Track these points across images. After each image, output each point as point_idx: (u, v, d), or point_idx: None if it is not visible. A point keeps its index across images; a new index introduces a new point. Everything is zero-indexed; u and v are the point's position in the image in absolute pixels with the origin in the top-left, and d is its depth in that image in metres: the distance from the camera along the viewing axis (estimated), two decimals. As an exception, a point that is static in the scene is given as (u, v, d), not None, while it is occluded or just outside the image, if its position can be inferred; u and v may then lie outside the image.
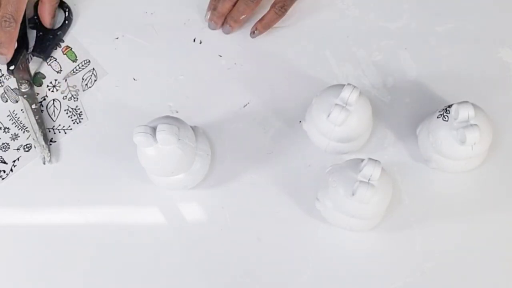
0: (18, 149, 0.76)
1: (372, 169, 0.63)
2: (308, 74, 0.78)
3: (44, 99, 0.78)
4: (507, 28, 0.81)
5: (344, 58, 0.79)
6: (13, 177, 0.75)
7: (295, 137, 0.75)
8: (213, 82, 0.78)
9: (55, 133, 0.77)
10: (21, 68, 0.78)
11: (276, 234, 0.72)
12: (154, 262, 0.71)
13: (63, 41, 0.81)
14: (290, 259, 0.71)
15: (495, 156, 0.74)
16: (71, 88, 0.79)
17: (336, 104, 0.67)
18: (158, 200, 0.73)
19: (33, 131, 0.76)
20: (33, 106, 0.77)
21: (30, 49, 0.80)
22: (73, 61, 0.80)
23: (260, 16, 0.79)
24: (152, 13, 0.82)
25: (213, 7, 0.79)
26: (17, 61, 0.77)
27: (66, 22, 0.81)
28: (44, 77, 0.80)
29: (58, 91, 0.79)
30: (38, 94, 0.78)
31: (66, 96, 0.78)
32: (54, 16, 0.80)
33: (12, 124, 0.77)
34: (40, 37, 0.80)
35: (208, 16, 0.80)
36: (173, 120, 0.66)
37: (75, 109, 0.78)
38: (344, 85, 0.67)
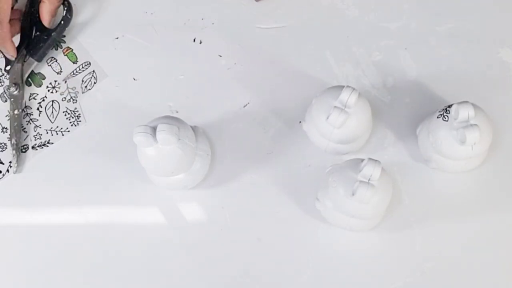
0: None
1: (372, 169, 0.63)
2: (308, 74, 0.78)
3: (43, 100, 0.78)
4: (507, 28, 0.81)
5: (344, 58, 0.79)
6: (12, 178, 0.75)
7: (295, 137, 0.75)
8: (213, 82, 0.78)
9: (52, 134, 0.77)
10: (16, 69, 0.77)
11: (276, 234, 0.72)
12: (154, 262, 0.71)
13: (58, 43, 0.80)
14: (290, 259, 0.71)
15: (495, 156, 0.74)
16: (70, 90, 0.79)
17: (335, 107, 0.67)
18: (158, 200, 0.73)
19: (10, 135, 0.75)
20: (16, 112, 0.76)
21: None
22: (74, 63, 0.80)
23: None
24: (152, 13, 0.82)
25: None
26: (13, 61, 0.77)
27: (62, 22, 0.79)
28: (44, 78, 0.79)
29: (57, 92, 0.79)
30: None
31: (65, 98, 0.78)
32: (54, 16, 0.79)
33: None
34: (36, 37, 0.79)
35: None
36: (173, 120, 0.66)
37: (73, 111, 0.78)
38: (343, 86, 0.67)
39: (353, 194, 0.63)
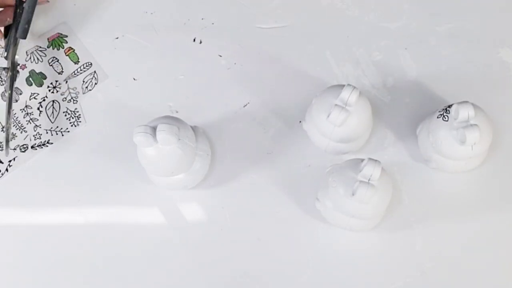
0: (14, 149, 0.76)
1: (372, 169, 0.63)
2: (308, 74, 0.78)
3: (44, 100, 0.78)
4: (507, 28, 0.81)
5: (344, 58, 0.79)
6: (11, 177, 0.75)
7: (295, 137, 0.75)
8: (213, 82, 0.78)
9: (52, 134, 0.77)
10: (11, 53, 0.76)
11: (276, 234, 0.72)
12: (154, 262, 0.71)
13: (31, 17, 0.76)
14: (290, 259, 0.71)
15: (495, 156, 0.74)
16: (71, 90, 0.79)
17: (336, 105, 0.67)
18: (158, 200, 0.73)
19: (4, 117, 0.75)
20: (7, 92, 0.75)
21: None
22: (75, 63, 0.80)
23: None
24: (152, 13, 0.82)
25: None
26: (9, 47, 0.76)
27: None
28: (45, 78, 0.80)
29: (58, 92, 0.79)
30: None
31: (65, 98, 0.78)
32: None
33: (11, 123, 0.77)
34: (18, 15, 0.76)
35: None
36: (173, 120, 0.66)
37: (73, 111, 0.78)
38: (344, 85, 0.67)
39: (353, 194, 0.63)
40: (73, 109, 0.78)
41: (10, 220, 0.74)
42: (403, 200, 0.72)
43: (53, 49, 0.81)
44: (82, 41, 0.81)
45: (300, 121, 0.76)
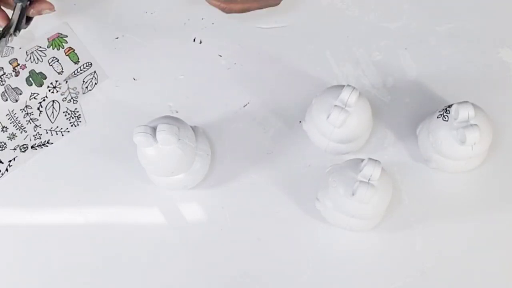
0: (14, 149, 0.76)
1: (372, 169, 0.63)
2: (308, 74, 0.78)
3: (44, 100, 0.78)
4: (507, 28, 0.81)
5: (344, 58, 0.79)
6: (11, 177, 0.75)
7: (295, 137, 0.75)
8: (213, 82, 0.78)
9: (52, 134, 0.77)
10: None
11: (276, 234, 0.72)
12: (154, 262, 0.71)
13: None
14: (290, 259, 0.71)
15: (495, 156, 0.74)
16: (71, 90, 0.79)
17: (336, 106, 0.67)
18: (158, 200, 0.73)
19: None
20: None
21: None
22: (75, 63, 0.80)
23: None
24: (152, 13, 0.82)
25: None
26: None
27: None
28: (45, 78, 0.80)
29: (58, 92, 0.79)
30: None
31: (65, 98, 0.78)
32: None
33: (11, 123, 0.77)
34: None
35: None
36: (173, 120, 0.66)
37: (73, 111, 0.78)
38: (343, 86, 0.67)
39: (353, 194, 0.63)
40: (73, 109, 0.78)
41: (10, 220, 0.74)
42: (403, 200, 0.72)
43: (53, 49, 0.81)
44: (82, 41, 0.81)
45: (300, 121, 0.76)
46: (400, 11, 0.82)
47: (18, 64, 0.80)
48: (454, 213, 0.72)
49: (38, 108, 0.78)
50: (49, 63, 0.80)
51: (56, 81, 0.79)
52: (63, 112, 0.78)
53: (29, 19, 0.76)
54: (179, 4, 0.83)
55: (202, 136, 0.72)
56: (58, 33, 0.82)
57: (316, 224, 0.72)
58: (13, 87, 0.79)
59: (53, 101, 0.79)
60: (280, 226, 0.72)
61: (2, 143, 0.77)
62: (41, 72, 0.80)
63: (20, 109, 0.78)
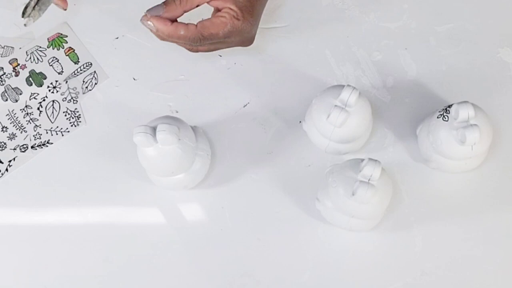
0: (14, 149, 0.76)
1: (372, 169, 0.63)
2: (308, 74, 0.78)
3: (44, 100, 0.78)
4: (507, 28, 0.81)
5: (344, 58, 0.79)
6: (11, 177, 0.75)
7: (295, 137, 0.75)
8: (213, 82, 0.78)
9: (52, 134, 0.77)
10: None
11: (276, 234, 0.72)
12: (154, 262, 0.71)
13: None
14: (290, 259, 0.71)
15: (495, 156, 0.74)
16: (71, 90, 0.79)
17: (336, 106, 0.67)
18: (158, 200, 0.73)
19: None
20: None
21: None
22: (75, 63, 0.80)
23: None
24: (152, 13, 0.82)
25: (161, 38, 0.69)
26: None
27: None
28: (45, 78, 0.80)
29: (58, 92, 0.79)
30: None
31: (66, 98, 0.78)
32: None
33: (11, 123, 0.77)
34: None
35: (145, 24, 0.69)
36: (173, 120, 0.66)
37: (74, 111, 0.78)
38: (343, 86, 0.67)
39: (353, 194, 0.63)
40: (73, 109, 0.78)
41: (10, 220, 0.74)
42: (403, 200, 0.72)
43: (53, 49, 0.81)
44: (82, 41, 0.81)
45: (300, 121, 0.76)
46: (400, 11, 0.82)
47: (18, 64, 0.80)
48: (454, 213, 0.72)
49: (38, 108, 0.78)
50: (49, 63, 0.80)
51: (56, 81, 0.79)
52: (63, 112, 0.78)
53: None
54: (179, 4, 0.83)
55: (202, 136, 0.72)
56: (58, 33, 0.82)
57: (316, 224, 0.72)
58: (13, 87, 0.79)
59: (53, 101, 0.78)
60: (280, 226, 0.72)
61: (2, 143, 0.77)
62: (41, 72, 0.80)
63: (20, 109, 0.78)
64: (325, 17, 0.82)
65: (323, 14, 0.82)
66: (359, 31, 0.81)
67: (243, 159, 0.75)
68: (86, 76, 0.79)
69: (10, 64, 0.80)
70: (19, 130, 0.77)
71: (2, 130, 0.77)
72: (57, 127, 0.77)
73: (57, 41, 0.81)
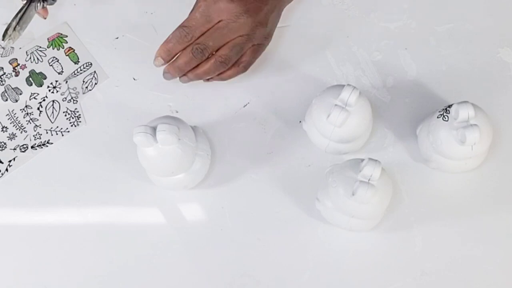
0: (14, 149, 0.76)
1: (372, 169, 0.63)
2: (308, 74, 0.78)
3: (44, 100, 0.78)
4: (507, 28, 0.81)
5: (344, 58, 0.79)
6: (11, 177, 0.75)
7: (295, 137, 0.75)
8: (213, 82, 0.78)
9: (52, 134, 0.77)
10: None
11: (276, 234, 0.72)
12: (154, 262, 0.71)
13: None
14: (290, 259, 0.71)
15: (495, 156, 0.74)
16: (71, 90, 0.79)
17: (336, 105, 0.67)
18: (158, 200, 0.73)
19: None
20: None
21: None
22: (75, 63, 0.80)
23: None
24: (152, 13, 0.82)
25: (168, 58, 0.70)
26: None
27: None
28: (45, 78, 0.80)
29: (58, 92, 0.79)
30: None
31: (65, 98, 0.78)
32: None
33: (11, 123, 0.77)
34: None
35: (163, 66, 0.71)
36: (173, 120, 0.66)
37: (73, 111, 0.78)
38: (344, 85, 0.67)
39: (353, 194, 0.63)
40: (73, 109, 0.78)
41: (10, 220, 0.74)
42: (403, 200, 0.72)
43: (53, 49, 0.81)
44: (82, 41, 0.81)
45: (300, 121, 0.76)
46: (400, 11, 0.82)
47: (18, 64, 0.80)
48: (454, 213, 0.72)
49: (38, 108, 0.78)
50: (49, 63, 0.80)
51: (56, 81, 0.79)
52: (63, 112, 0.78)
53: None
54: (179, 4, 0.82)
55: (202, 136, 0.72)
56: (58, 33, 0.82)
57: (316, 224, 0.72)
58: (13, 87, 0.79)
59: (53, 101, 0.78)
60: (280, 226, 0.72)
61: (2, 143, 0.77)
62: (41, 72, 0.80)
63: (20, 109, 0.78)
64: (325, 17, 0.82)
65: (323, 14, 0.82)
66: (359, 31, 0.81)
67: (243, 159, 0.75)
68: (86, 76, 0.79)
69: (10, 64, 0.80)
70: (19, 130, 0.77)
71: (2, 130, 0.77)
72: (57, 127, 0.77)
73: (57, 41, 0.81)
